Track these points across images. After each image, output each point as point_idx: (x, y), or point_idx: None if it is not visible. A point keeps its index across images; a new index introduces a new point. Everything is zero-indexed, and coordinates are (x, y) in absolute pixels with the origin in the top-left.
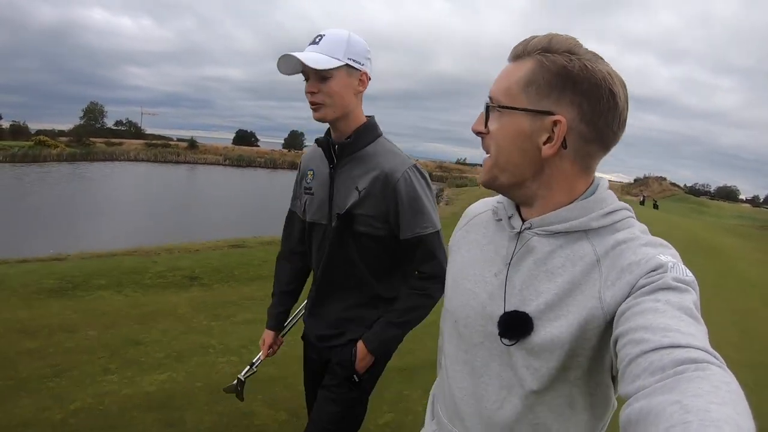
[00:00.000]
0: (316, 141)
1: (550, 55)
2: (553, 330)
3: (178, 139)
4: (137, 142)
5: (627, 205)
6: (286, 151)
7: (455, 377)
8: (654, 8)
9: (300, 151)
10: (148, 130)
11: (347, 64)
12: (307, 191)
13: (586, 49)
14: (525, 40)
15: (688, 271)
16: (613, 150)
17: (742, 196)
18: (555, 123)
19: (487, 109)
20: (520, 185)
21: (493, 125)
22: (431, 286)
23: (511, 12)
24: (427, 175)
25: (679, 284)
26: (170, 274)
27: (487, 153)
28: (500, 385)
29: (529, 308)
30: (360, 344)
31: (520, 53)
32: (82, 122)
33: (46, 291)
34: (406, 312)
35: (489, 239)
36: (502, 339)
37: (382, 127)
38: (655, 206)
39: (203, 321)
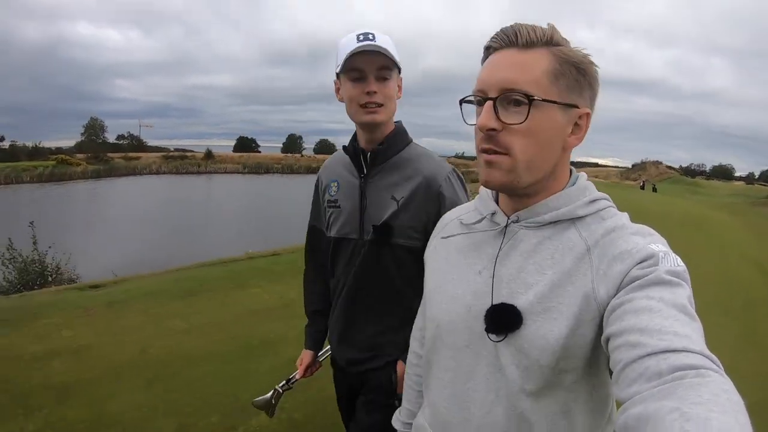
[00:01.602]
0: (344, 148)
1: (560, 47)
2: (545, 324)
3: (175, 149)
4: (153, 156)
5: (606, 195)
6: (299, 156)
7: (439, 385)
8: None
9: (300, 155)
10: (150, 143)
11: (399, 67)
12: (332, 204)
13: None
14: (524, 27)
15: (679, 260)
16: (608, 135)
17: (738, 174)
18: (581, 116)
19: (530, 101)
20: (538, 181)
21: (516, 118)
22: None
23: (499, 3)
24: (464, 179)
25: (672, 278)
26: None
27: (500, 151)
28: (487, 388)
29: (517, 301)
30: (400, 365)
31: (529, 42)
32: (83, 138)
33: (279, 273)
34: None
35: (469, 240)
36: (489, 335)
37: None
38: (654, 189)
39: None
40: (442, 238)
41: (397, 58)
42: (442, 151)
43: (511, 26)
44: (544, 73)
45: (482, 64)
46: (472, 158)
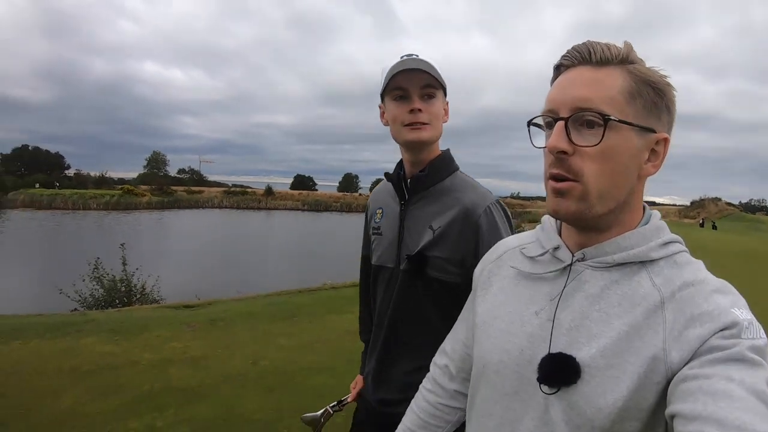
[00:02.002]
0: (386, 175)
1: (636, 66)
2: (606, 382)
3: (233, 185)
4: (215, 190)
5: (679, 238)
6: (357, 194)
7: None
8: (692, 24)
9: (358, 194)
10: (210, 178)
11: (444, 89)
12: (375, 231)
13: None
14: (598, 44)
15: (761, 330)
16: (665, 173)
17: None
18: (658, 141)
19: (606, 121)
20: (611, 212)
21: (589, 140)
22: None
23: (551, 42)
24: (509, 213)
25: (755, 356)
26: None
27: (570, 178)
28: None
29: (578, 353)
30: None
31: (604, 60)
32: (146, 171)
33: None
34: None
35: (527, 274)
36: (542, 386)
37: None
38: (714, 227)
39: None
40: (497, 266)
41: (443, 79)
42: (498, 192)
43: (584, 43)
44: (620, 92)
45: (551, 85)
46: (528, 198)
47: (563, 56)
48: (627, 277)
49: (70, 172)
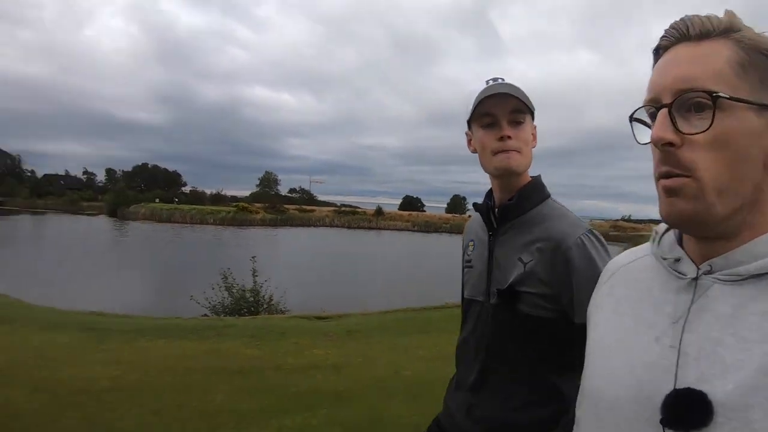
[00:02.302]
0: (474, 206)
1: (743, 33)
2: (744, 428)
3: (342, 205)
4: (326, 209)
5: None
6: (467, 216)
7: None
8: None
9: (468, 216)
10: (319, 197)
11: (532, 113)
12: (467, 264)
13: None
14: (696, 17)
15: None
16: None
17: None
18: None
19: (715, 100)
20: (735, 213)
21: (698, 126)
22: None
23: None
24: (605, 243)
25: None
26: None
27: (682, 174)
28: None
29: (711, 388)
30: None
31: (704, 33)
32: (258, 189)
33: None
34: None
35: (644, 293)
36: (666, 430)
37: None
38: None
39: None
40: (610, 287)
41: (531, 102)
42: (608, 214)
43: (681, 18)
44: (728, 64)
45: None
46: (640, 221)
47: (661, 36)
48: (766, 292)
49: (186, 189)
